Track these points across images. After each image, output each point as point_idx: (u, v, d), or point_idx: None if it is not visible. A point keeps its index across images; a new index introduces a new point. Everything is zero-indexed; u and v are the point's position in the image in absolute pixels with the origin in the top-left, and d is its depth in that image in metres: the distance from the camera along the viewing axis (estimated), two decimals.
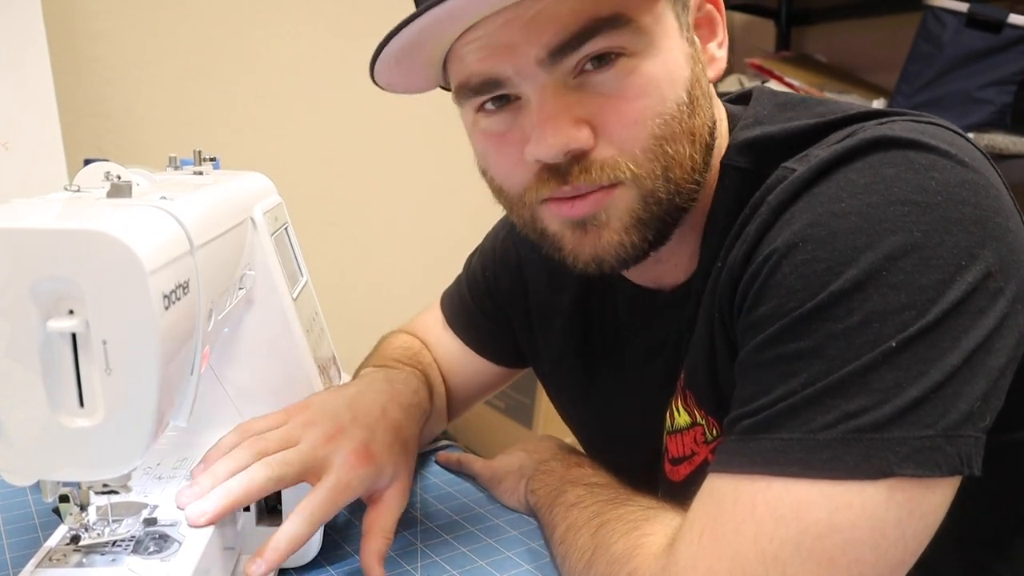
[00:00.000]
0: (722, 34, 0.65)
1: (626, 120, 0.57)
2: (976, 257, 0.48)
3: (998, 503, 0.60)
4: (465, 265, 0.95)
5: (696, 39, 0.62)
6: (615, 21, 0.55)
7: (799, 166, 0.55)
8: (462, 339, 0.93)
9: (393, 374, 0.77)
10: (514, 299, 0.86)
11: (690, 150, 0.59)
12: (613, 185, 0.58)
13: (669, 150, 0.58)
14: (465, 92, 0.60)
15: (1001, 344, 0.49)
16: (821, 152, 0.55)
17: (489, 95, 0.59)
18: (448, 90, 0.65)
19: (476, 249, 0.95)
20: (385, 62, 0.58)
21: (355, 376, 0.86)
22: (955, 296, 0.48)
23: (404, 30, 0.54)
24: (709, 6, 0.63)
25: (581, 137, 0.56)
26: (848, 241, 0.49)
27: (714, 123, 0.62)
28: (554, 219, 0.61)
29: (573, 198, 0.59)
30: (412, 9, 0.60)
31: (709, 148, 0.61)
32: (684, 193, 0.60)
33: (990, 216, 0.50)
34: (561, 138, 0.56)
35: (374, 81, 0.61)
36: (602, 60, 0.56)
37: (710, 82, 0.63)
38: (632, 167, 0.57)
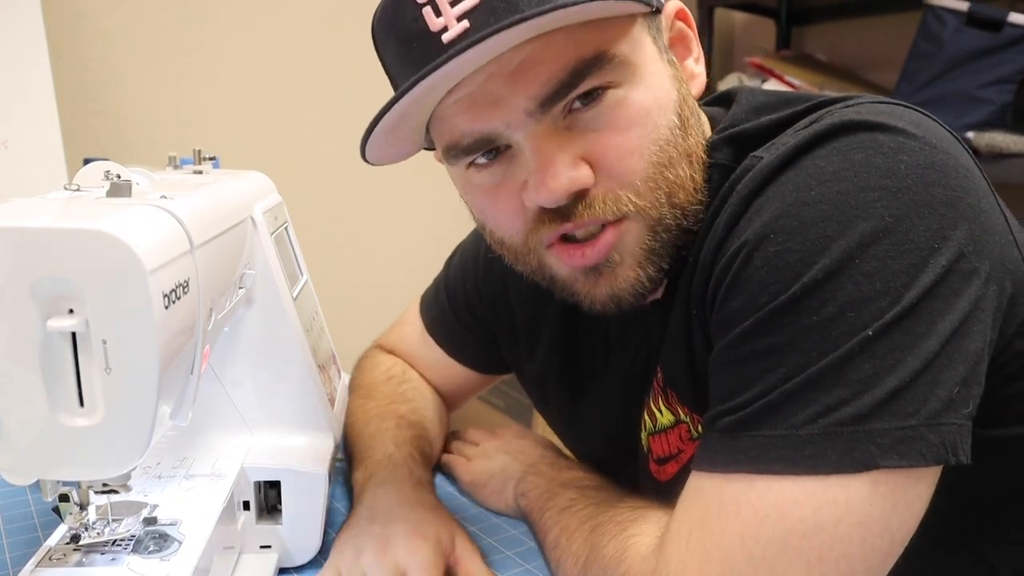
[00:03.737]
0: (697, 49, 0.64)
1: (622, 152, 0.56)
2: (948, 239, 0.48)
3: (983, 495, 0.59)
4: (445, 267, 0.93)
5: (675, 59, 0.61)
6: (599, 61, 0.54)
7: (766, 154, 0.55)
8: (443, 349, 0.92)
9: (383, 475, 0.75)
10: (498, 313, 0.85)
11: (689, 171, 0.59)
12: (619, 220, 0.57)
13: (670, 176, 0.57)
14: (456, 152, 0.59)
15: (978, 327, 0.49)
16: (788, 139, 0.54)
17: (480, 152, 0.58)
18: (431, 150, 0.65)
19: (456, 249, 0.93)
20: (376, 140, 0.57)
21: (350, 402, 0.87)
22: (928, 280, 0.47)
23: (398, 104, 0.53)
24: (680, 23, 0.63)
25: (582, 176, 0.55)
26: (819, 230, 0.48)
27: (705, 139, 0.62)
28: (563, 266, 0.60)
29: (583, 246, 0.58)
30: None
31: (706, 165, 0.61)
32: (691, 215, 0.59)
33: (961, 197, 0.49)
34: (562, 181, 0.55)
35: (364, 158, 0.60)
36: (590, 96, 0.55)
37: (695, 99, 0.63)
38: (635, 199, 0.57)
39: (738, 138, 0.60)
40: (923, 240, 0.48)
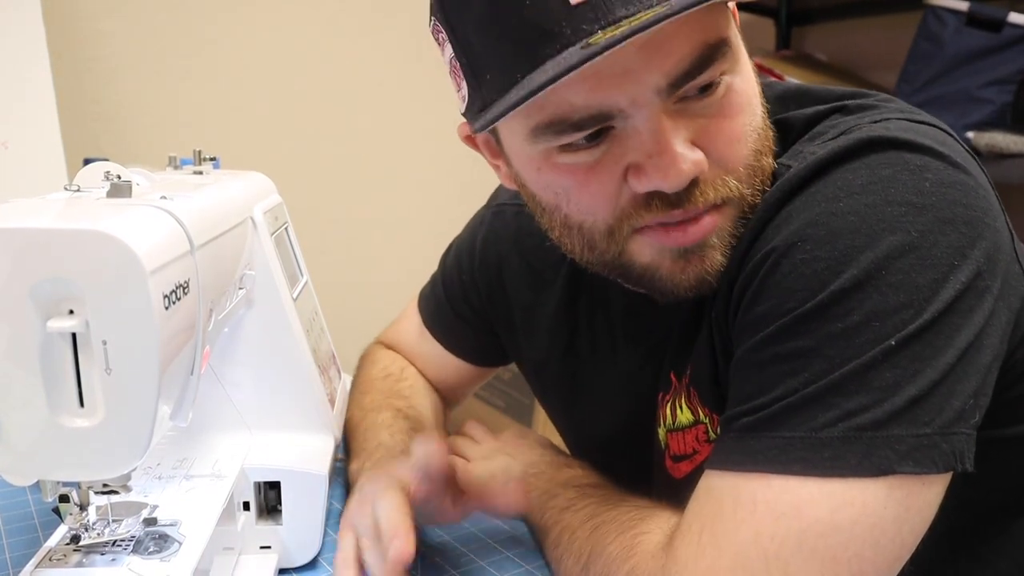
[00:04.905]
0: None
1: (730, 138, 0.56)
2: (967, 256, 0.49)
3: (987, 496, 0.60)
4: (441, 262, 0.94)
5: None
6: (722, 46, 0.54)
7: (793, 162, 0.56)
8: (441, 343, 0.92)
9: (376, 461, 0.74)
10: (494, 303, 0.85)
11: (771, 161, 0.59)
12: (721, 205, 0.57)
13: (763, 163, 0.58)
14: (561, 128, 0.54)
15: (988, 341, 0.50)
16: (815, 149, 0.55)
17: (592, 129, 0.54)
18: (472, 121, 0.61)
19: (451, 245, 0.93)
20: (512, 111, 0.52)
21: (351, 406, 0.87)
22: (949, 295, 0.49)
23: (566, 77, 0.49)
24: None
25: (701, 161, 0.54)
26: (847, 241, 0.49)
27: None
28: (650, 248, 0.58)
29: (684, 225, 0.56)
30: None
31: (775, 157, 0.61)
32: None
33: (980, 216, 0.51)
34: (688, 166, 0.53)
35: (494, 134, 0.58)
36: (707, 87, 0.54)
37: None
38: (738, 185, 0.56)
39: (782, 125, 0.61)
40: (945, 256, 0.49)
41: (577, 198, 0.58)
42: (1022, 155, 1.40)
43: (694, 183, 0.55)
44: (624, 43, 0.47)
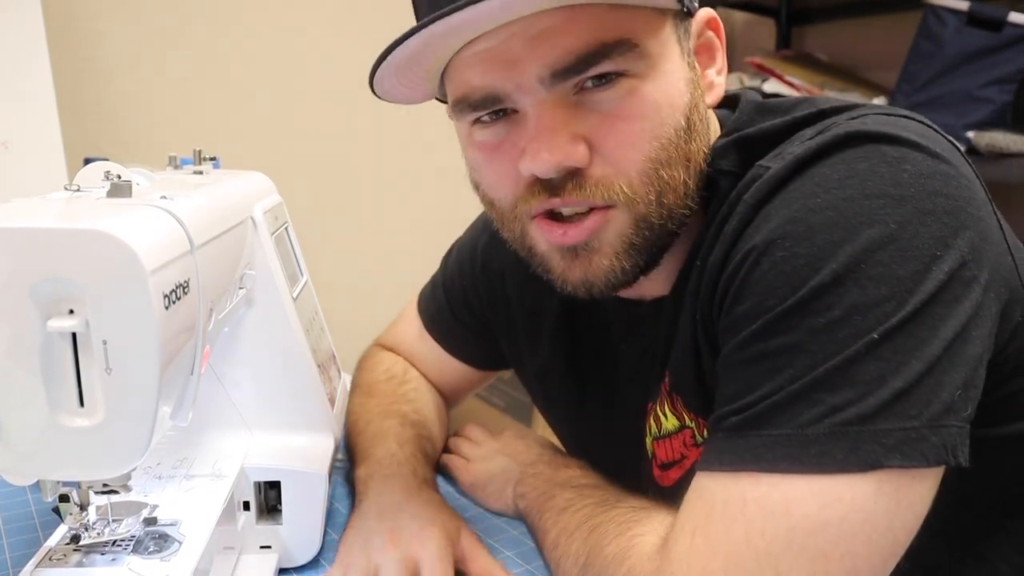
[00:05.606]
0: (721, 61, 0.64)
1: (623, 141, 0.57)
2: (950, 247, 0.49)
3: (983, 493, 0.60)
4: (442, 264, 0.94)
5: (696, 65, 0.62)
6: (620, 47, 0.55)
7: (773, 164, 0.55)
8: (441, 346, 0.92)
9: (387, 472, 0.75)
10: (496, 309, 0.85)
11: (684, 175, 0.59)
12: (606, 207, 0.58)
13: (664, 175, 0.58)
14: (463, 107, 0.59)
15: (977, 332, 0.50)
16: (795, 149, 0.55)
17: (487, 110, 0.59)
18: (443, 102, 0.65)
19: (452, 247, 0.93)
20: (385, 73, 0.57)
21: (350, 406, 0.87)
22: (932, 286, 0.48)
23: (407, 42, 0.53)
24: (710, 33, 0.63)
25: (577, 154, 0.56)
26: (825, 235, 0.49)
27: (709, 148, 0.62)
28: (543, 240, 0.61)
29: (566, 225, 0.58)
30: (413, 17, 0.59)
31: (703, 174, 0.61)
32: (676, 219, 0.60)
33: (963, 206, 0.50)
34: (557, 154, 0.55)
35: (373, 91, 0.60)
36: (604, 79, 0.56)
37: (708, 107, 0.63)
38: (626, 190, 0.57)
39: (743, 142, 0.61)
40: (926, 247, 0.49)
41: (487, 175, 0.62)
42: (1022, 155, 1.40)
43: (576, 175, 0.57)
44: (455, 16, 0.50)
